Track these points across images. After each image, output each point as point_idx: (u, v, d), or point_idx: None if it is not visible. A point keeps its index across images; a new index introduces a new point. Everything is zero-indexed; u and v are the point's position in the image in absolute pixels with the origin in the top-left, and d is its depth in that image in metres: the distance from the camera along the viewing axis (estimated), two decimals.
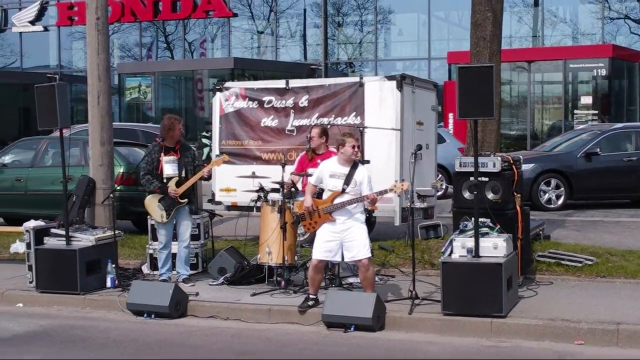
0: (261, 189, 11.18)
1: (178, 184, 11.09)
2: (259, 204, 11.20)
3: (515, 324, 8.95)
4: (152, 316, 10.01)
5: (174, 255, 11.39)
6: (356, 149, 9.62)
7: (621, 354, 8.33)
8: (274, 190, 11.12)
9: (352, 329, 9.10)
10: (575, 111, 28.54)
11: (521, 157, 11.53)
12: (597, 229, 14.62)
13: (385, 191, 9.54)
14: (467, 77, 9.59)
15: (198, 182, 12.22)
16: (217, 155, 12.99)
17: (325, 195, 9.66)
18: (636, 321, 8.80)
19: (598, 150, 18.03)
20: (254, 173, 11.70)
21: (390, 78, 12.63)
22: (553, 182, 17.50)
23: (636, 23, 33.69)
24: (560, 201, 17.49)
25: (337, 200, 9.48)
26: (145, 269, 12.10)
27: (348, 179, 9.47)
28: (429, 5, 33.74)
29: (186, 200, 11.19)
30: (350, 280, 10.69)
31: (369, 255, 9.56)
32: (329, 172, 9.60)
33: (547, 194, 17.43)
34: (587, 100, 28.42)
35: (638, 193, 18.45)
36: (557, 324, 8.81)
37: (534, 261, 11.29)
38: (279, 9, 37.68)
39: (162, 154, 11.15)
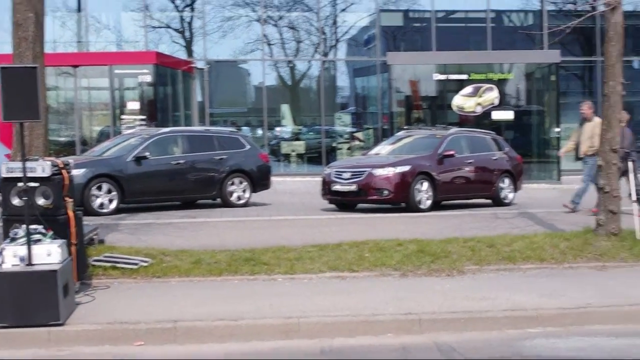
0: None
1: None
2: None
3: (74, 330, 8.73)
4: None
5: None
6: None
7: (179, 351, 8.49)
8: None
9: None
10: (123, 116, 28.81)
11: (72, 161, 11.32)
12: (151, 231, 14.82)
13: None
14: (11, 79, 9.24)
15: None
16: None
17: None
18: (192, 317, 9.02)
19: (147, 154, 18.36)
20: None
21: None
22: (105, 186, 17.45)
23: (177, 32, 34.91)
24: (113, 205, 17.49)
25: None
26: None
27: None
28: None
29: None
30: None
31: None
32: None
33: (99, 199, 17.33)
34: (134, 105, 28.86)
35: (187, 195, 19.17)
36: (116, 327, 8.75)
37: (89, 266, 11.12)
38: None
39: None
